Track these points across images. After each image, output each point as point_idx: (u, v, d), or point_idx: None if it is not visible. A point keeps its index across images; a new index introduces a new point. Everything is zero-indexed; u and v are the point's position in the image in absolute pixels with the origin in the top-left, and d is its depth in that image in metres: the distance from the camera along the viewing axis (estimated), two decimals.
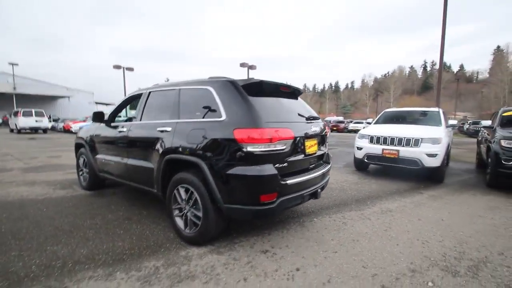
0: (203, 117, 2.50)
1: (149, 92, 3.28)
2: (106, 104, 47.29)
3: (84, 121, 21.24)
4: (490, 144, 5.15)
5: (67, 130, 20.63)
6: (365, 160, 5.94)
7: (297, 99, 3.09)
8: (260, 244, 2.58)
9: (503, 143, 4.75)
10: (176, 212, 2.70)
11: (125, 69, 24.45)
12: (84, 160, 4.29)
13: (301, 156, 2.56)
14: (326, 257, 2.36)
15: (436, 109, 6.87)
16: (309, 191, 2.60)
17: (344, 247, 2.57)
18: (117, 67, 23.59)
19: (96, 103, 40.82)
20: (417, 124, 6.36)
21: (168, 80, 68.02)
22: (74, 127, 19.67)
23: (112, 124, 3.78)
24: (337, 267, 2.21)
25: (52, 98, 32.34)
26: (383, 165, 5.78)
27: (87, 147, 4.13)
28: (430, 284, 2.01)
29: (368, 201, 4.06)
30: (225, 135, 2.25)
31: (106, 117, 3.87)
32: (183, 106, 2.76)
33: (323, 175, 2.89)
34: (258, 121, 2.21)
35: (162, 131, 2.79)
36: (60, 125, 22.55)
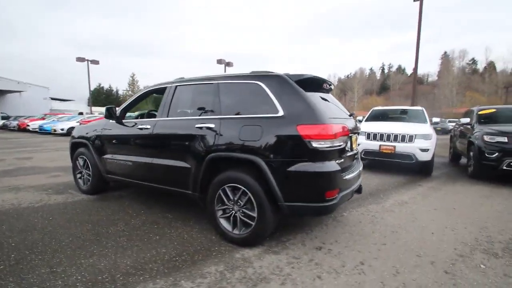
0: (255, 113, 2.39)
1: (176, 86, 3.05)
2: (64, 100, 43.20)
3: (43, 118, 19.13)
4: (472, 140, 5.73)
5: (23, 129, 18.38)
6: (362, 156, 6.21)
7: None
8: (310, 241, 2.56)
9: (486, 138, 5.31)
10: (220, 213, 2.56)
11: (89, 62, 22.50)
12: (85, 161, 3.86)
13: (350, 152, 2.59)
14: (380, 249, 2.43)
15: (419, 107, 7.44)
16: (356, 186, 2.65)
17: (388, 239, 2.66)
18: (80, 59, 21.59)
19: (52, 99, 37.04)
20: (405, 121, 6.83)
21: (134, 74, 63.36)
22: (32, 125, 17.60)
23: (125, 121, 3.45)
24: (395, 258, 2.28)
25: (0, 93, 28.49)
26: (378, 160, 6.10)
27: (90, 146, 3.72)
28: (482, 266, 2.18)
29: (381, 194, 4.27)
30: (287, 131, 2.19)
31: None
32: (225, 101, 2.61)
33: (360, 171, 2.96)
34: (322, 117, 2.18)
35: (201, 128, 2.62)
36: (14, 123, 20.01)
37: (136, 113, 5.14)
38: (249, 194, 2.32)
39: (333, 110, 2.53)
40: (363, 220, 3.15)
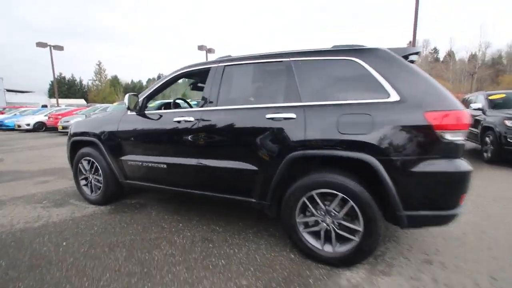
0: (357, 98, 1.86)
1: (224, 67, 2.40)
2: (21, 92, 38.82)
3: (1, 112, 16.78)
4: (488, 125, 5.70)
5: None
6: None
7: None
8: (410, 253, 2.14)
9: (508, 123, 5.27)
10: (303, 226, 2.04)
11: (52, 48, 20.04)
12: (93, 163, 3.08)
13: None
14: (494, 257, 2.07)
15: None
16: None
17: (487, 241, 2.32)
18: (41, 45, 19.09)
19: (7, 90, 33.01)
20: None
21: (100, 63, 58.94)
22: None
23: (149, 113, 2.74)
24: None
25: None
26: None
27: (101, 146, 2.94)
28: None
29: None
30: (411, 120, 1.69)
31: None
32: (305, 84, 2.04)
33: None
34: (454, 101, 1.71)
35: (274, 119, 2.04)
36: None
37: (156, 102, 4.33)
38: (351, 202, 1.82)
39: None
40: None
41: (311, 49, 2.12)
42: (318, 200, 1.94)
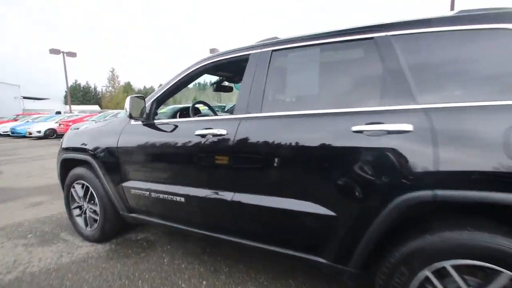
0: None
1: (272, 52, 1.59)
2: (37, 99, 39.66)
3: (15, 119, 16.72)
4: None
5: None
6: None
7: None
8: None
9: None
10: None
11: (65, 54, 20.01)
12: (88, 189, 2.34)
13: None
14: None
15: None
16: None
17: None
18: (55, 51, 19.08)
19: (24, 97, 33.70)
20: None
21: (113, 69, 60.55)
22: (2, 128, 15.23)
23: (159, 122, 1.97)
24: None
25: None
26: None
27: (96, 166, 2.19)
28: None
29: None
30: None
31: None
32: (421, 73, 1.21)
33: None
34: None
35: (369, 133, 1.21)
36: None
37: (167, 108, 3.60)
38: None
39: None
40: None
41: (424, 18, 1.28)
42: (457, 278, 1.09)
